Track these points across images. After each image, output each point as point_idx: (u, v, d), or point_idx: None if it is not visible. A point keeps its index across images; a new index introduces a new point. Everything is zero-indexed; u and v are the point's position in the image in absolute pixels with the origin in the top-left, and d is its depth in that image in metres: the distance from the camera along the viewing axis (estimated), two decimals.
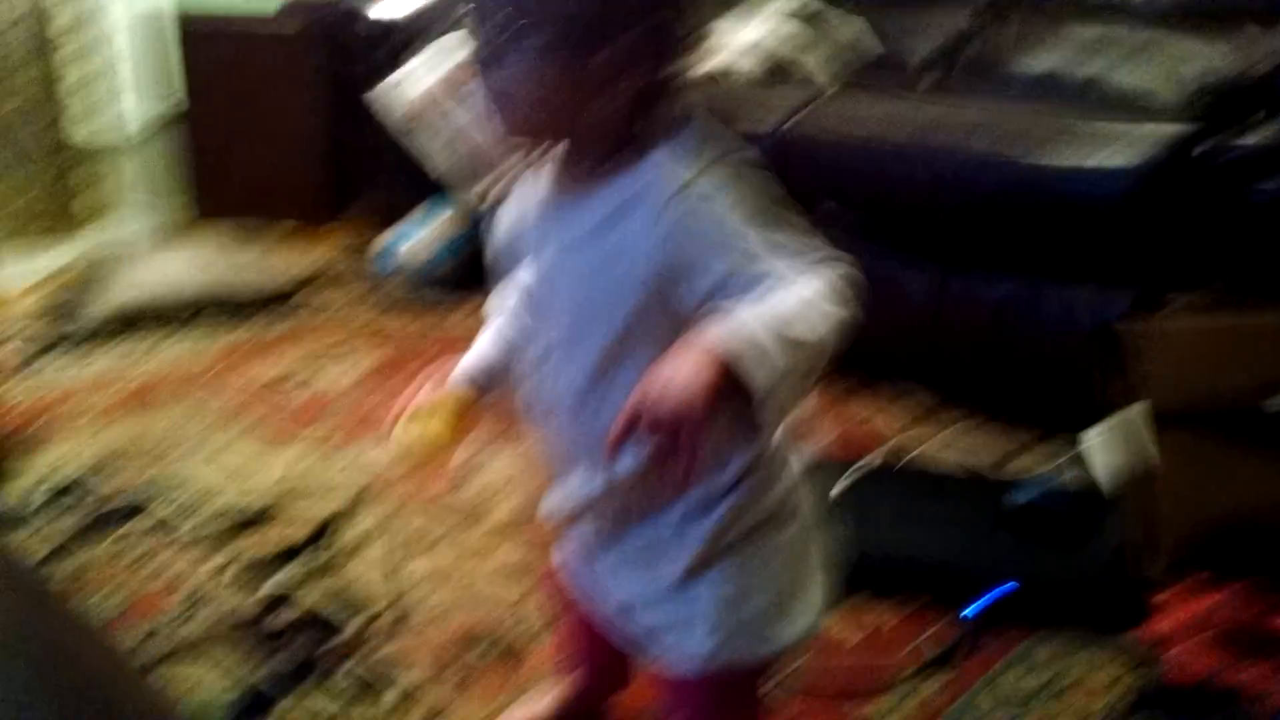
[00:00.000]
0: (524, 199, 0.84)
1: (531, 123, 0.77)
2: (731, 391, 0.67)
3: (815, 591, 0.87)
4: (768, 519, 0.82)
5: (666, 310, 0.74)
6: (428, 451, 0.86)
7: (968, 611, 1.28)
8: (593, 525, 0.87)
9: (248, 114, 3.11)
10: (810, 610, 0.86)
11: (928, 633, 1.29)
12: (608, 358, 0.77)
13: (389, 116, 2.51)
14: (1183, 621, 1.26)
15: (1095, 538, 1.39)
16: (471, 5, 0.75)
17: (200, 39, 3.09)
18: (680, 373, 0.66)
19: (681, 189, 0.73)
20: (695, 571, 0.81)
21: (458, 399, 0.88)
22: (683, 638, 0.83)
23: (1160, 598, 1.28)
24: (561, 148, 0.80)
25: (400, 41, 2.78)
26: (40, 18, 3.09)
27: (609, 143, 0.76)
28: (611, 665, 1.02)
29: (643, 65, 0.74)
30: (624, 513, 0.83)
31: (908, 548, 1.37)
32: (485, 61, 0.75)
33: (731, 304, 0.70)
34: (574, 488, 0.85)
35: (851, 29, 2.46)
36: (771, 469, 0.83)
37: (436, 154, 2.47)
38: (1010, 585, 1.29)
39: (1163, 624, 1.26)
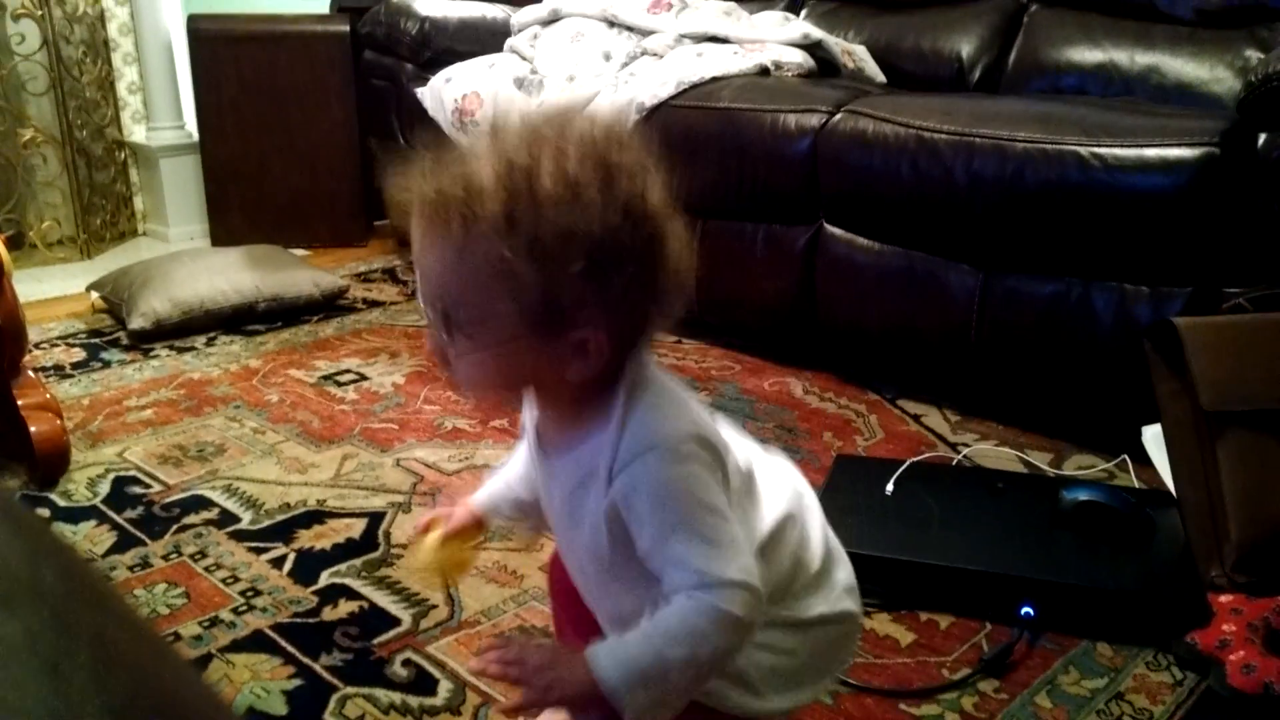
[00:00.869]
0: (528, 416, 0.87)
1: (500, 395, 0.83)
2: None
3: (822, 681, 0.90)
4: (800, 623, 0.84)
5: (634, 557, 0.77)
6: (449, 574, 0.92)
7: (1025, 610, 1.26)
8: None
9: (271, 129, 3.12)
10: (808, 694, 0.87)
11: (984, 631, 1.27)
12: (605, 574, 0.81)
13: (439, 112, 2.54)
14: (1246, 625, 1.23)
15: (1156, 538, 1.37)
16: (426, 293, 0.74)
17: (211, 43, 3.08)
18: (561, 680, 0.74)
19: (621, 471, 0.74)
20: None
21: (476, 533, 0.95)
22: None
23: (1223, 600, 1.26)
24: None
25: (442, 45, 2.81)
26: (101, 18, 3.15)
27: (579, 404, 0.77)
28: None
29: (613, 334, 0.73)
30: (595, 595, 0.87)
31: (963, 547, 1.35)
32: (445, 343, 0.75)
33: (658, 570, 0.74)
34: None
35: (853, 58, 2.45)
36: (801, 590, 0.85)
37: None
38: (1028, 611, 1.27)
39: (1226, 627, 1.23)
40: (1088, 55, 2.18)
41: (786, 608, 0.83)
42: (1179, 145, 1.56)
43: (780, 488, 0.86)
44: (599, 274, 0.69)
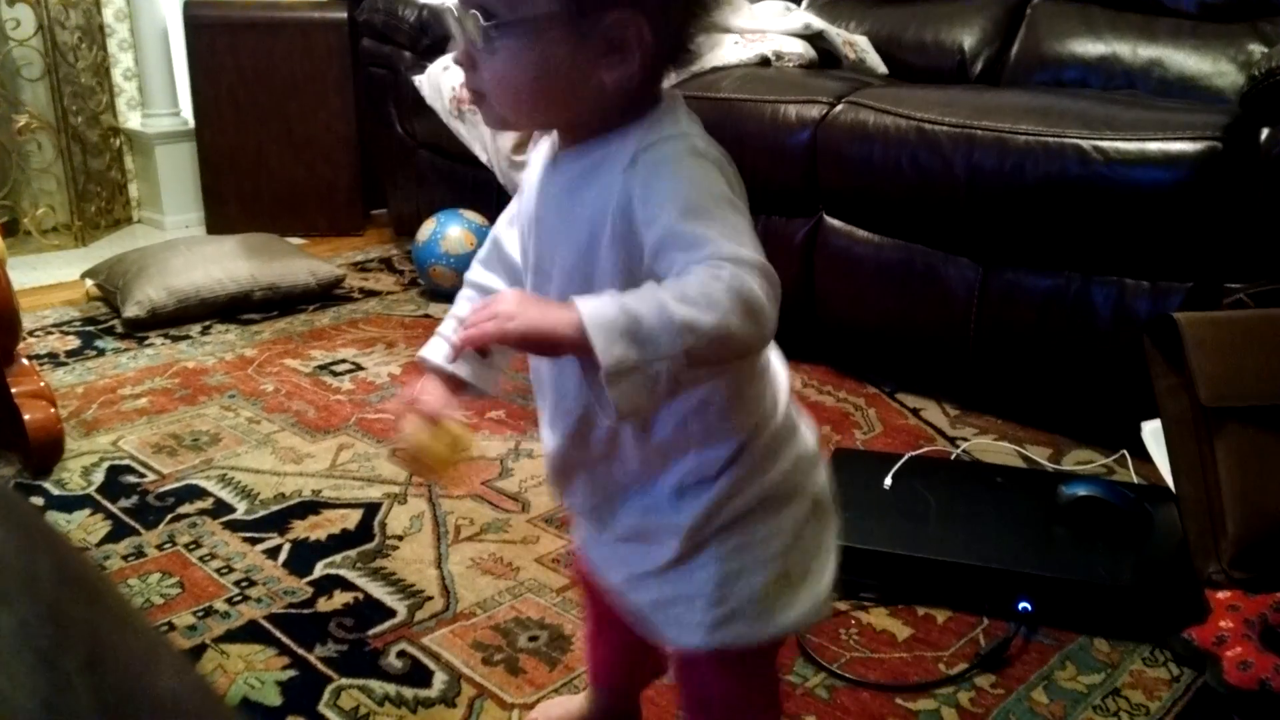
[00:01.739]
0: (533, 165, 0.82)
1: (535, 115, 0.75)
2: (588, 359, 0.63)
3: (821, 573, 0.84)
4: (765, 500, 0.80)
5: (633, 271, 0.70)
6: (435, 468, 0.82)
7: (1023, 605, 1.26)
8: (589, 501, 0.85)
9: (268, 116, 3.11)
10: (815, 592, 0.83)
11: (981, 626, 1.27)
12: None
13: (436, 100, 2.52)
14: (1243, 621, 1.23)
15: (1153, 533, 1.36)
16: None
17: (208, 30, 3.06)
18: (543, 315, 0.64)
19: (645, 149, 0.70)
20: (691, 550, 0.79)
21: (454, 422, 0.82)
22: (683, 614, 0.81)
23: (1220, 596, 1.26)
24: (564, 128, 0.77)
25: (441, 32, 2.79)
26: (98, 3, 3.13)
27: (609, 116, 0.73)
28: (641, 659, 1.01)
29: (651, 33, 0.69)
30: (608, 484, 0.81)
31: (961, 541, 1.35)
32: (479, 57, 0.70)
33: (669, 261, 0.66)
34: (550, 442, 0.83)
35: (854, 49, 2.44)
36: (768, 451, 0.80)
37: (480, 140, 2.47)
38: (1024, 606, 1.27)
39: (1223, 623, 1.23)
40: (1090, 48, 2.18)
41: (755, 475, 0.79)
42: (1181, 139, 1.56)
43: None
44: None
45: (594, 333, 0.61)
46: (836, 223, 1.97)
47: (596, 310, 0.62)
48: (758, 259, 0.66)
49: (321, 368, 2.11)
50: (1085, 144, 1.62)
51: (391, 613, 1.29)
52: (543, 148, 0.80)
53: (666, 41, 0.71)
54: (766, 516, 0.80)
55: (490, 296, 0.70)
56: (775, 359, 0.83)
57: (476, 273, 0.89)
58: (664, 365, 0.62)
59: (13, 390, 1.67)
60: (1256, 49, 1.99)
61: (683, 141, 0.71)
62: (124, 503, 1.57)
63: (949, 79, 2.30)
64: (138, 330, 2.31)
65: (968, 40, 2.34)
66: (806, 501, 0.83)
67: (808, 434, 0.85)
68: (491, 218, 2.54)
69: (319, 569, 1.39)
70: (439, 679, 1.17)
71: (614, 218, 0.70)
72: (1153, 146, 1.57)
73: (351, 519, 1.52)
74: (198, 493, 1.60)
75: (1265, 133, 1.54)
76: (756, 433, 0.79)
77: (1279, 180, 1.52)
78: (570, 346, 0.63)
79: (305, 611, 1.30)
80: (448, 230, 2.49)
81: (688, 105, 0.76)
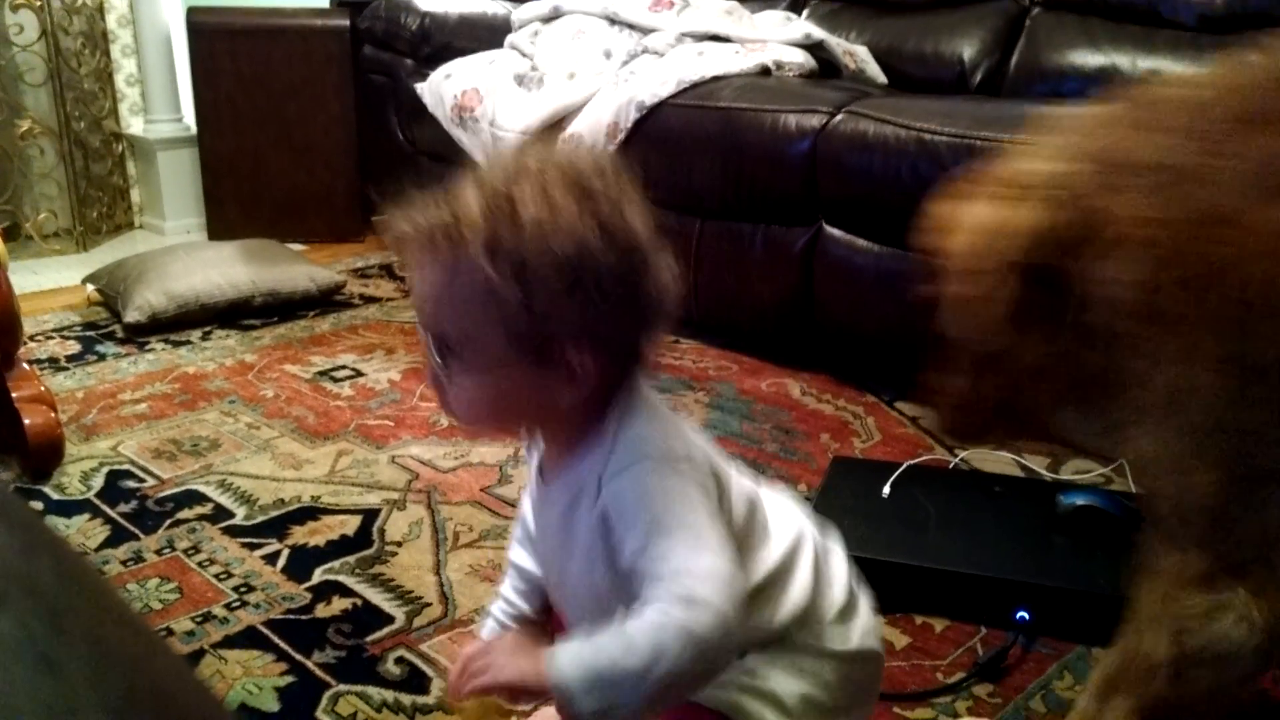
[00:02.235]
0: (532, 458, 0.88)
1: (495, 426, 0.84)
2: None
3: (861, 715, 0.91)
4: (833, 656, 0.85)
5: (626, 582, 0.76)
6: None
7: (1021, 615, 1.26)
8: None
9: (269, 123, 3.12)
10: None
11: (979, 635, 1.27)
12: (599, 610, 0.79)
13: (438, 108, 2.53)
14: None
15: None
16: (420, 321, 0.77)
17: (210, 36, 3.06)
18: (522, 671, 0.75)
19: (609, 482, 0.76)
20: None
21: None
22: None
23: None
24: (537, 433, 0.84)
25: (442, 40, 2.80)
26: (101, 9, 3.14)
27: (574, 429, 0.79)
28: None
29: (600, 357, 0.75)
30: None
31: (959, 550, 1.35)
32: (439, 374, 0.77)
33: (639, 583, 0.73)
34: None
35: (855, 59, 2.44)
36: (817, 638, 0.85)
37: (481, 147, 2.48)
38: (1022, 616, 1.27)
39: None
40: (1090, 59, 2.18)
41: (816, 637, 0.84)
42: None
43: (789, 518, 0.87)
44: (582, 295, 0.72)
45: (564, 690, 0.71)
46: (836, 232, 1.98)
47: (564, 673, 0.72)
48: (712, 599, 0.70)
49: (321, 373, 2.12)
50: None
51: (390, 619, 1.29)
52: (533, 464, 0.87)
53: (619, 359, 0.77)
54: (835, 664, 0.85)
55: (486, 645, 0.81)
56: (828, 544, 0.90)
57: (515, 553, 0.96)
58: (625, 709, 0.71)
59: (13, 394, 1.67)
60: None
61: (646, 466, 0.75)
62: (123, 508, 1.57)
63: (949, 89, 2.31)
64: (138, 335, 2.31)
65: (967, 51, 2.35)
66: (875, 662, 0.90)
67: (859, 616, 0.89)
68: None
69: (318, 575, 1.39)
70: (436, 685, 1.17)
71: (600, 548, 0.77)
72: None
73: (350, 525, 1.52)
74: (197, 498, 1.60)
75: None
76: (800, 624, 0.84)
77: None
78: (548, 693, 0.74)
79: (304, 617, 1.30)
80: None
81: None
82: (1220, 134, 0.80)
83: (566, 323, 0.73)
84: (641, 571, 0.73)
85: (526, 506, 0.94)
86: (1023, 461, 1.71)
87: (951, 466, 1.70)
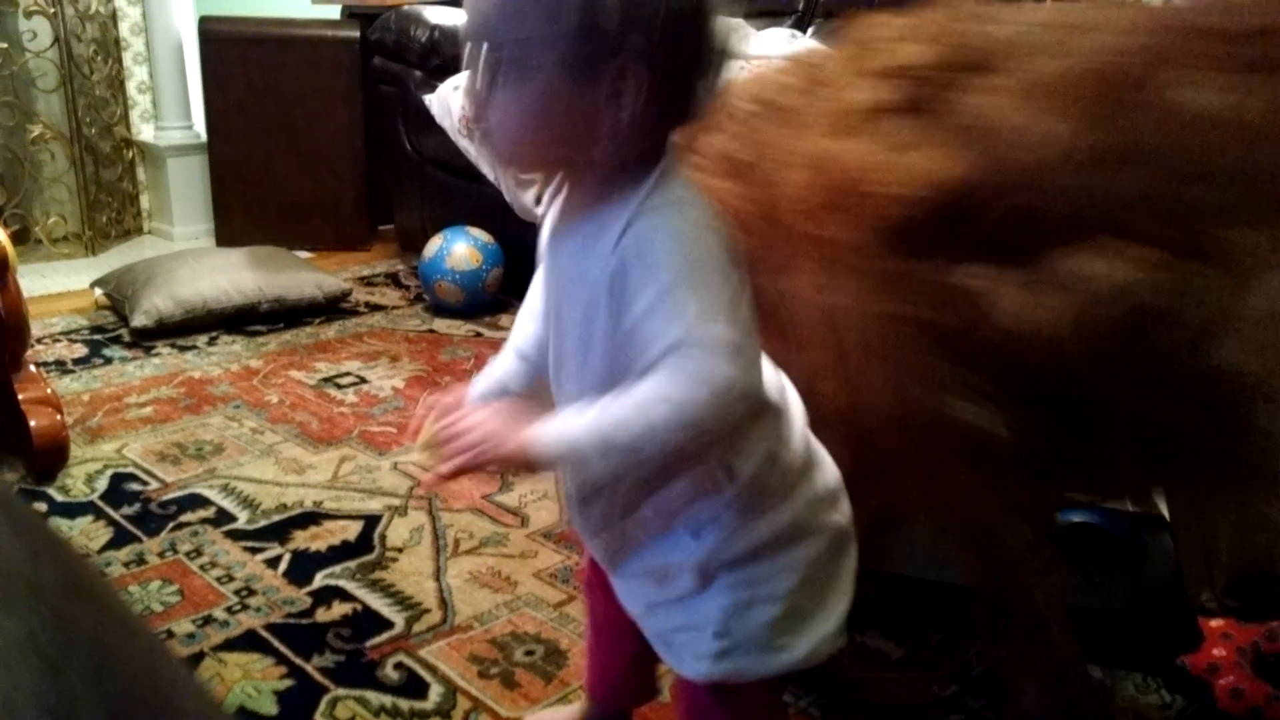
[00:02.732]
0: (550, 211, 0.84)
1: (533, 154, 0.78)
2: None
3: (833, 610, 0.84)
4: (777, 536, 0.81)
5: (623, 336, 0.74)
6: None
7: None
8: (602, 538, 0.86)
9: (278, 131, 3.14)
10: (826, 628, 0.83)
11: (974, 648, 1.28)
12: (609, 373, 0.76)
13: (445, 119, 2.55)
14: (1236, 649, 1.24)
15: (1147, 560, 1.37)
16: (469, 35, 0.73)
17: (221, 45, 3.09)
18: (502, 447, 0.74)
19: (636, 218, 0.73)
20: (703, 582, 0.80)
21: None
22: (689, 643, 0.82)
23: (1213, 624, 1.26)
24: (564, 176, 0.80)
25: (451, 52, 2.82)
26: (114, 17, 3.17)
27: (609, 172, 0.75)
28: (638, 674, 1.02)
29: (650, 95, 0.72)
30: (625, 531, 0.83)
31: (955, 564, 1.35)
32: (485, 92, 0.74)
33: (650, 331, 0.71)
34: (570, 490, 0.86)
35: None
36: (780, 488, 0.81)
37: (487, 158, 2.49)
38: None
39: (1216, 651, 1.24)
40: None
41: (763, 514, 0.80)
42: None
43: (768, 375, 0.84)
44: (641, 22, 0.70)
45: (577, 453, 0.72)
46: None
47: (545, 446, 0.72)
48: (727, 337, 0.70)
49: (326, 380, 2.13)
50: None
51: (389, 624, 1.30)
52: (552, 210, 0.83)
53: (667, 95, 0.73)
54: (778, 553, 0.81)
55: (466, 417, 0.76)
56: (787, 396, 0.84)
57: (516, 334, 0.91)
58: (649, 457, 0.72)
59: (19, 396, 1.69)
60: None
61: (673, 211, 0.73)
62: (126, 510, 1.58)
63: None
64: (145, 339, 2.33)
65: None
66: (823, 539, 0.83)
67: (826, 470, 0.85)
68: (497, 235, 2.57)
69: (318, 579, 1.40)
70: (435, 691, 1.18)
71: (608, 293, 0.74)
72: None
73: (352, 530, 1.53)
74: (200, 501, 1.61)
75: None
76: (767, 470, 0.80)
77: None
78: (532, 469, 0.74)
79: (304, 622, 1.31)
80: (454, 247, 2.50)
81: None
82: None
83: (626, 42, 0.70)
84: (649, 331, 0.71)
85: (538, 277, 0.88)
86: None
87: None
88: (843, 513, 0.86)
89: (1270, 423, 0.80)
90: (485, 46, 0.72)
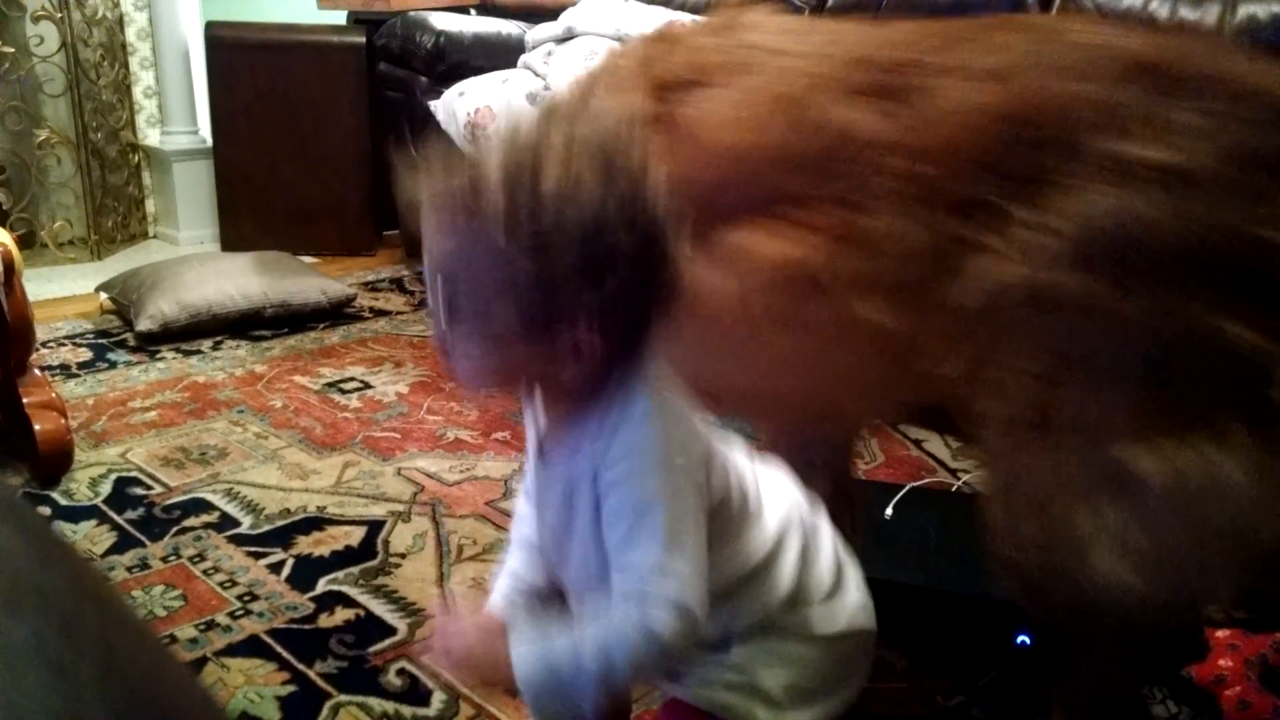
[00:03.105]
0: (529, 441, 0.88)
1: (498, 383, 0.82)
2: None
3: (847, 692, 0.89)
4: (794, 651, 0.85)
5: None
6: None
7: (1022, 638, 1.26)
8: None
9: (284, 136, 3.14)
10: (835, 703, 0.87)
11: (980, 657, 1.27)
12: (601, 570, 0.79)
13: (451, 125, 2.55)
14: (1243, 661, 1.23)
15: None
16: (429, 266, 0.76)
17: (228, 50, 3.09)
18: (480, 671, 0.82)
19: (603, 470, 0.76)
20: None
21: None
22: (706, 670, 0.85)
23: (1220, 635, 1.26)
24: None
25: (457, 59, 2.83)
26: (120, 22, 3.18)
27: (578, 406, 0.78)
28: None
29: (608, 336, 0.73)
30: None
31: (961, 573, 1.35)
32: (442, 337, 0.76)
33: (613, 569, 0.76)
34: None
35: None
36: (742, 590, 0.84)
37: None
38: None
39: (1222, 662, 1.23)
40: None
41: (803, 621, 0.84)
42: None
43: (782, 503, 0.87)
44: (594, 272, 0.70)
45: (525, 693, 0.76)
46: None
47: (520, 675, 0.76)
48: (679, 599, 0.73)
49: (330, 385, 2.13)
50: None
51: (392, 630, 1.30)
52: (531, 440, 0.86)
53: (627, 339, 0.76)
54: (804, 653, 0.85)
55: (462, 624, 0.82)
56: (791, 534, 0.87)
57: (519, 528, 0.94)
58: (581, 701, 0.75)
59: (24, 400, 1.69)
60: None
61: (635, 458, 0.76)
62: (130, 514, 1.58)
63: None
64: (149, 344, 2.33)
65: None
66: (844, 644, 0.89)
67: (846, 594, 0.89)
68: None
69: (321, 585, 1.40)
70: (438, 698, 1.18)
71: (595, 535, 0.78)
72: None
73: (355, 536, 1.53)
74: (204, 506, 1.61)
75: None
76: (774, 611, 0.84)
77: None
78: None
79: (306, 627, 1.30)
80: None
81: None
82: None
83: (578, 300, 0.71)
84: (618, 561, 0.75)
85: (529, 481, 0.92)
86: None
87: (954, 489, 1.70)
88: (870, 619, 0.92)
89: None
90: (445, 298, 0.74)
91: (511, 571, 0.93)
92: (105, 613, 0.35)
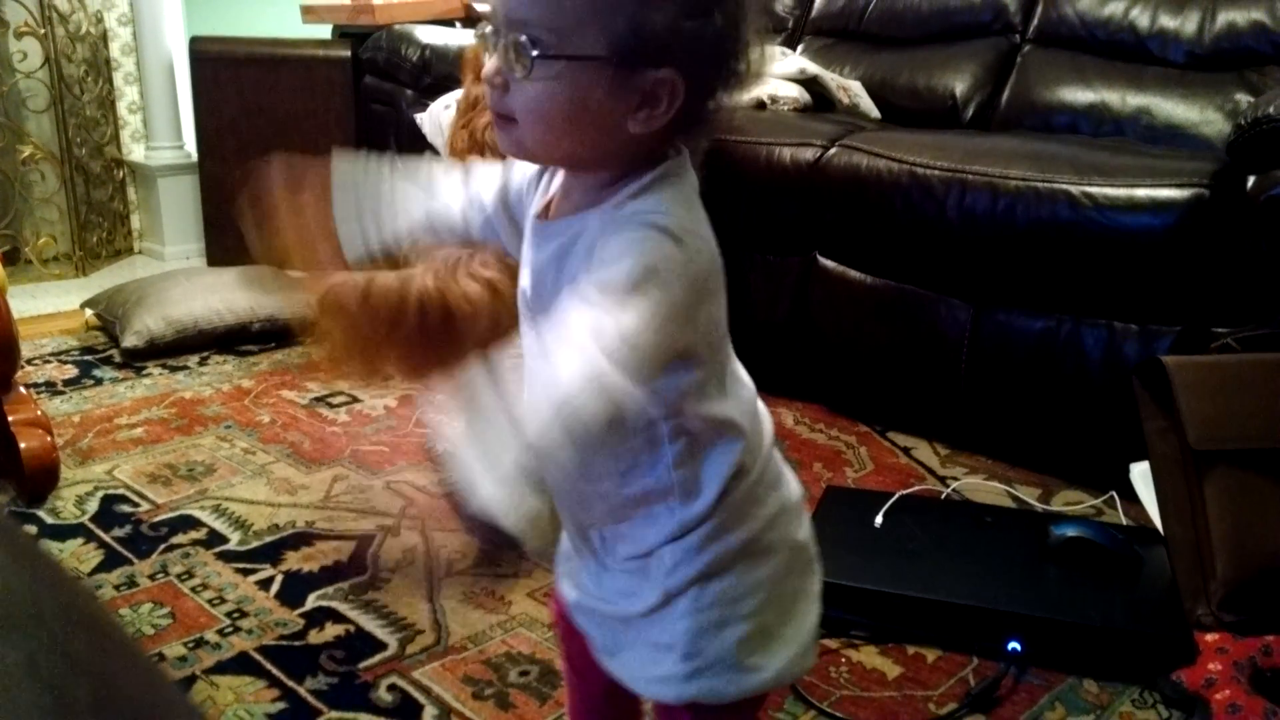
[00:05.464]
0: (535, 200, 0.80)
1: (547, 149, 0.73)
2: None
3: (800, 628, 0.82)
4: (742, 553, 0.78)
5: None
6: None
7: (1013, 645, 1.27)
8: (574, 544, 0.84)
9: (270, 151, 3.13)
10: (794, 647, 0.81)
11: (971, 666, 1.28)
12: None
13: (436, 138, 2.55)
14: (1232, 664, 1.24)
15: (1143, 575, 1.37)
16: (501, 18, 0.69)
17: (212, 65, 3.09)
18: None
19: (606, 226, 0.70)
20: (666, 600, 0.78)
21: None
22: (657, 665, 0.80)
23: (1209, 638, 1.26)
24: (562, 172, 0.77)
25: (442, 71, 2.83)
26: (104, 37, 3.17)
27: (620, 170, 0.72)
28: (616, 706, 0.97)
29: (685, 95, 0.69)
30: (589, 529, 0.81)
31: (952, 581, 1.35)
32: (505, 77, 0.70)
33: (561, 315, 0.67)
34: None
35: (849, 93, 2.47)
36: (745, 503, 0.78)
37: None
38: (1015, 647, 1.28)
39: (1212, 666, 1.24)
40: (1080, 95, 2.21)
41: (728, 530, 0.78)
42: (1169, 186, 1.58)
43: (746, 386, 0.83)
44: (697, 21, 0.68)
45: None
46: (830, 263, 2.00)
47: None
48: (617, 350, 0.64)
49: (318, 399, 2.12)
50: (1075, 189, 1.64)
51: (382, 645, 1.29)
52: (537, 199, 0.80)
53: (696, 106, 0.72)
54: (744, 570, 0.79)
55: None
56: (755, 409, 0.82)
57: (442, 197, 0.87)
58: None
59: (9, 418, 1.68)
60: (1243, 98, 2.02)
61: (656, 235, 0.69)
62: (117, 532, 1.57)
63: (941, 124, 2.33)
64: (136, 360, 2.32)
65: (959, 86, 2.38)
66: (786, 557, 0.82)
67: (789, 485, 0.84)
68: None
69: (311, 601, 1.39)
70: (429, 713, 1.17)
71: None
72: (1140, 192, 1.60)
73: (344, 551, 1.52)
74: (191, 523, 1.60)
75: (1252, 180, 1.57)
76: (732, 486, 0.78)
77: (1264, 226, 1.55)
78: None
79: (296, 643, 1.30)
80: None
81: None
82: None
83: (671, 43, 0.67)
84: (577, 297, 0.67)
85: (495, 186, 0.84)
86: (1013, 492, 1.72)
87: (944, 496, 1.71)
88: (804, 530, 0.84)
89: None
90: (523, 22, 0.68)
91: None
92: (99, 634, 0.35)
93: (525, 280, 0.79)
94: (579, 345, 0.65)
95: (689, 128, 0.73)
